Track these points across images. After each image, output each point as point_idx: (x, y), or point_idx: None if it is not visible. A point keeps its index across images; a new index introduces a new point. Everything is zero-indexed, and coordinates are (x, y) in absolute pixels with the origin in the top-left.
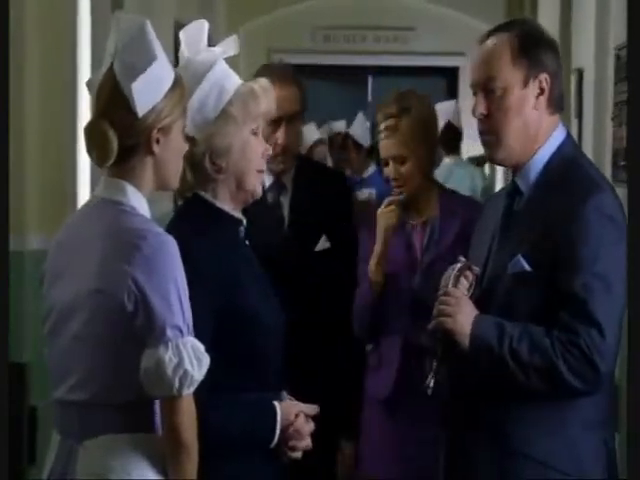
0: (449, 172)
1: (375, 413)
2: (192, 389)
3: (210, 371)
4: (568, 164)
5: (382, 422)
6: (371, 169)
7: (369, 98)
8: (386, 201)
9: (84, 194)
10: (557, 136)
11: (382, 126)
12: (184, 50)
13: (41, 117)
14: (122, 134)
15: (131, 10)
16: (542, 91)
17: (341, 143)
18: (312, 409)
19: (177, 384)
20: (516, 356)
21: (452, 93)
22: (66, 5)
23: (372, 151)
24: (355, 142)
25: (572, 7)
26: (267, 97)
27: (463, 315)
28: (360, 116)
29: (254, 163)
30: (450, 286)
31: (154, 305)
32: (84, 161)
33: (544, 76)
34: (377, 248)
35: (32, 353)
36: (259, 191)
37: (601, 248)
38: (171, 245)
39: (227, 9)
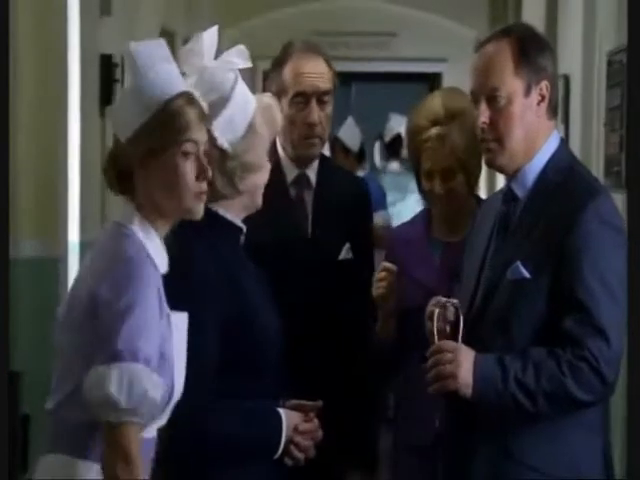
0: None
1: (415, 459)
2: (122, 419)
3: (215, 379)
4: (564, 170)
5: (424, 469)
6: (360, 174)
7: (353, 104)
8: (381, 266)
9: (74, 204)
10: (552, 142)
11: (427, 134)
12: (199, 59)
13: (31, 124)
14: (114, 159)
15: (119, 16)
16: (543, 98)
17: (329, 147)
18: (314, 406)
19: (99, 409)
20: (524, 388)
21: None
22: (56, 11)
23: (361, 155)
24: (344, 146)
25: (557, 13)
26: (279, 111)
27: (463, 370)
28: (350, 120)
29: (266, 180)
30: (436, 335)
31: (105, 325)
32: (75, 171)
33: (545, 83)
34: (380, 316)
35: (25, 362)
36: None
37: (602, 254)
38: (142, 271)
39: (211, 15)
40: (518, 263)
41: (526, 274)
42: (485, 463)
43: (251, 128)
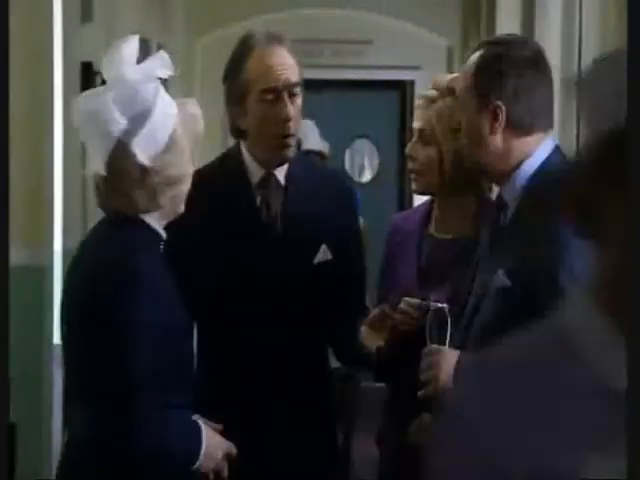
0: None
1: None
2: None
3: (145, 386)
4: (552, 178)
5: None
6: None
7: (326, 112)
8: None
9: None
10: (542, 151)
11: (424, 94)
12: (120, 67)
13: (16, 132)
14: None
15: (99, 24)
16: (496, 118)
17: None
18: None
19: None
20: None
21: (404, 107)
22: (40, 18)
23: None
24: (316, 154)
25: (534, 22)
26: (201, 116)
27: (443, 372)
28: (311, 125)
29: (188, 186)
30: (428, 340)
31: None
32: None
33: (496, 104)
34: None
35: (14, 369)
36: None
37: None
38: None
39: (185, 23)
40: (500, 272)
41: (507, 282)
42: None
43: (173, 141)
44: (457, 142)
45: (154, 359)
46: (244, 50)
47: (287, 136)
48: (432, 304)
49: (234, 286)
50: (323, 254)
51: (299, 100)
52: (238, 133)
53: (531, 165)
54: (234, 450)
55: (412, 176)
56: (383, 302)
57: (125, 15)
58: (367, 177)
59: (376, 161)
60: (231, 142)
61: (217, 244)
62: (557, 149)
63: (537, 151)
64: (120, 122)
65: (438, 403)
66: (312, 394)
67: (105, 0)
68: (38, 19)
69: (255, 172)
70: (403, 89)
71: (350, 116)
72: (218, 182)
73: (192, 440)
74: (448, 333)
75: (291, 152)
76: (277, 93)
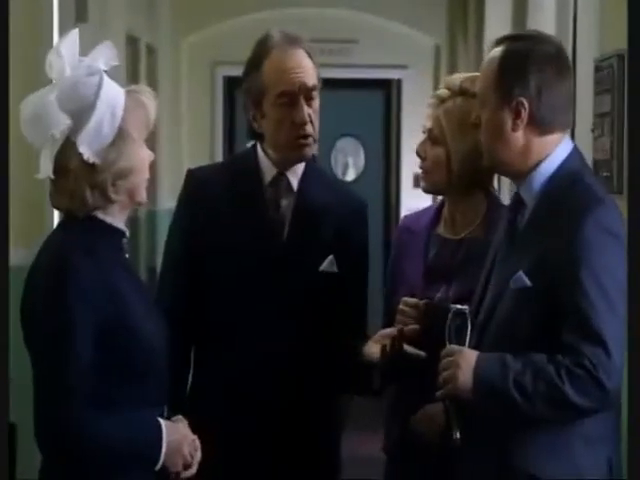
0: None
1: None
2: None
3: (90, 388)
4: (571, 178)
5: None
6: None
7: None
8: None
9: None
10: (561, 151)
11: (436, 94)
12: (62, 64)
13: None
14: None
15: (94, 25)
16: (519, 114)
17: None
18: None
19: None
20: (521, 389)
21: (390, 106)
22: (39, 18)
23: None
24: None
25: (526, 22)
26: (154, 104)
27: (462, 372)
28: None
29: (146, 175)
30: (447, 341)
31: None
32: None
33: (520, 100)
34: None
35: (14, 369)
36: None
37: (602, 264)
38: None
39: (171, 21)
40: (520, 272)
41: (528, 283)
42: (487, 475)
43: (120, 132)
44: (465, 142)
45: (92, 359)
46: (261, 52)
47: (304, 136)
48: (452, 306)
49: (238, 284)
50: (329, 264)
51: (317, 102)
52: (255, 135)
53: (550, 165)
54: (197, 443)
55: (421, 174)
56: (389, 301)
57: (116, 15)
58: (351, 176)
59: (361, 160)
60: (219, 140)
61: (227, 241)
62: (575, 149)
63: (556, 151)
64: (63, 122)
65: (457, 403)
66: (312, 400)
67: (98, 1)
68: (38, 19)
69: (268, 172)
70: (389, 88)
71: (336, 115)
72: (229, 179)
73: (149, 439)
74: (468, 335)
75: (309, 151)
76: (293, 97)
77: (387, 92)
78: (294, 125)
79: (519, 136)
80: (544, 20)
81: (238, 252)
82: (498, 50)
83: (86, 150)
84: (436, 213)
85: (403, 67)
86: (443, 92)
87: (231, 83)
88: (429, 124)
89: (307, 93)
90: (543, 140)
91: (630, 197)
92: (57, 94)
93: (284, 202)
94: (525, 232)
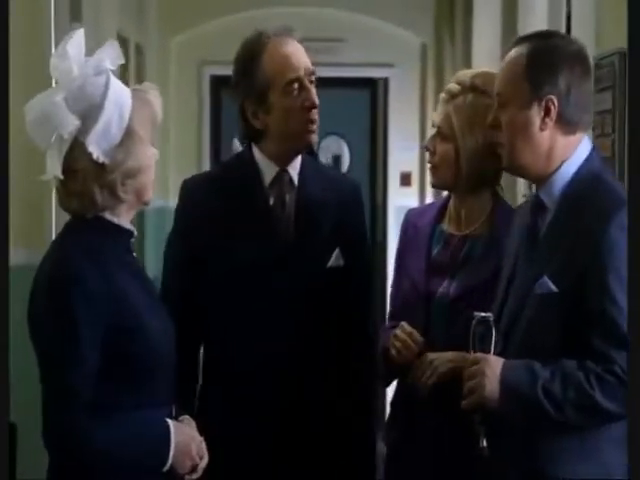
0: None
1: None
2: None
3: (99, 389)
4: (592, 180)
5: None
6: None
7: None
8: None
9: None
10: (582, 151)
11: (446, 89)
12: (68, 64)
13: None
14: None
15: (88, 24)
16: (548, 112)
17: None
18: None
19: None
20: (550, 396)
21: (376, 104)
22: (38, 19)
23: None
24: None
25: (517, 22)
26: (160, 102)
27: (488, 380)
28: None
29: (152, 174)
30: (471, 350)
31: None
32: None
33: (550, 98)
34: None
35: (14, 369)
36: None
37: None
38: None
39: (158, 20)
40: (545, 277)
41: (554, 288)
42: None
43: (129, 131)
44: (475, 139)
45: (98, 361)
46: (256, 48)
47: (313, 121)
48: (476, 313)
49: (243, 288)
50: (336, 259)
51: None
52: (252, 135)
53: (571, 166)
54: (204, 447)
55: (429, 169)
56: (395, 296)
57: (108, 15)
58: None
59: (346, 158)
60: (206, 137)
61: (231, 243)
62: (594, 149)
63: (577, 152)
64: (72, 123)
65: (483, 412)
66: (313, 400)
67: (92, 0)
68: (37, 18)
69: (268, 171)
70: (375, 87)
71: (322, 113)
72: (227, 185)
73: (157, 440)
74: (493, 342)
75: (315, 138)
76: (300, 82)
77: (374, 91)
78: (303, 110)
79: (545, 136)
80: (535, 21)
81: (243, 258)
82: (523, 48)
83: (95, 150)
84: (441, 208)
85: (390, 66)
86: (454, 87)
87: (218, 82)
88: (438, 119)
89: (310, 77)
90: (566, 140)
91: (630, 196)
92: (65, 95)
93: (287, 198)
94: (547, 236)
